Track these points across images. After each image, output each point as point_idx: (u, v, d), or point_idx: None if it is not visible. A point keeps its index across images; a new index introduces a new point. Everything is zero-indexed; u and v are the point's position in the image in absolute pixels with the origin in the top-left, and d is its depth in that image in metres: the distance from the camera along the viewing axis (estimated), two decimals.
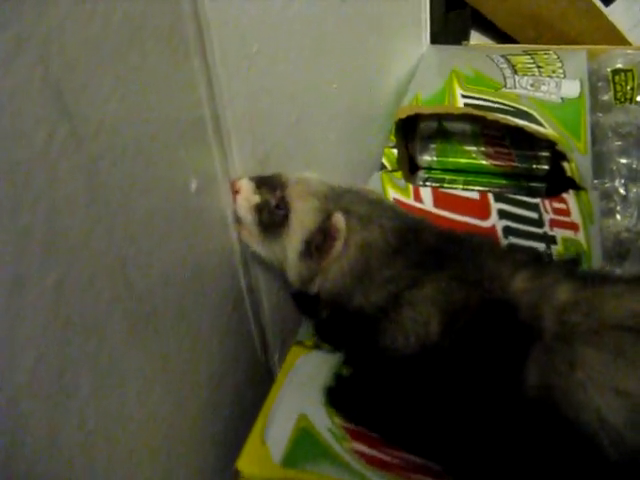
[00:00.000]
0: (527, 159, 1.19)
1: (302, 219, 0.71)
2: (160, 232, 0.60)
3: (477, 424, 0.60)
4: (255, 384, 0.84)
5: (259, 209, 0.72)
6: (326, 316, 0.73)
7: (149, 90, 0.56)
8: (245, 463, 0.64)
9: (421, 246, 0.69)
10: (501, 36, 1.55)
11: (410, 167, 1.26)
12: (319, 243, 0.70)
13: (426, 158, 1.25)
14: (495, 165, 1.20)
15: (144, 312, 0.58)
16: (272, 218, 0.72)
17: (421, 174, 1.26)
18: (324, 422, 0.67)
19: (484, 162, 1.21)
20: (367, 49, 1.12)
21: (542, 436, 0.56)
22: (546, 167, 1.18)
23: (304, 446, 0.65)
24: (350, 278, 0.69)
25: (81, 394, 0.50)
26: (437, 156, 1.24)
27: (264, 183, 0.72)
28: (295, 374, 0.73)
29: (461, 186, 1.20)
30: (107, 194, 0.51)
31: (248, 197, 0.71)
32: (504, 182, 1.20)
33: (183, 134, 0.62)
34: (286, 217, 0.71)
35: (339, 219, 0.69)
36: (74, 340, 0.48)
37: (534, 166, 1.20)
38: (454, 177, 1.23)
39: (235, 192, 0.71)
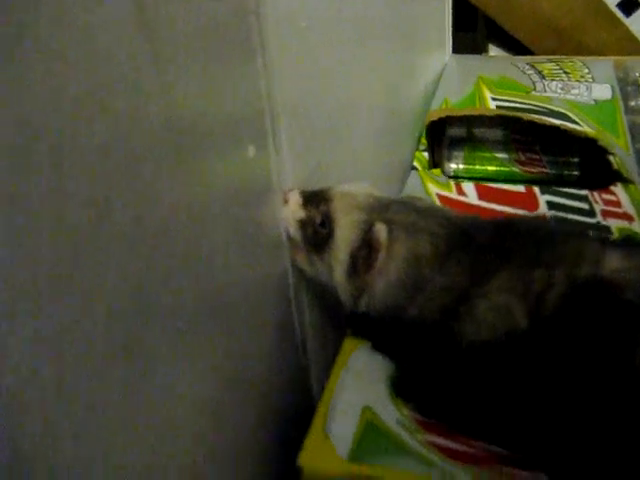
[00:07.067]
0: (558, 165, 1.16)
1: (346, 233, 0.67)
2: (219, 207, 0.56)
3: (570, 411, 0.55)
4: (294, 385, 0.78)
5: (304, 225, 0.68)
6: (385, 332, 0.68)
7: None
8: (308, 459, 0.58)
9: (477, 246, 0.64)
10: (517, 53, 1.55)
11: None
12: (363, 257, 0.66)
13: (452, 166, 1.22)
14: (526, 171, 1.17)
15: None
16: (317, 235, 0.68)
17: None
18: (392, 414, 0.61)
19: (515, 169, 1.18)
20: (394, 54, 1.10)
21: None
22: (576, 173, 1.16)
23: (373, 440, 0.59)
24: (399, 291, 0.64)
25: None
26: (464, 164, 1.21)
27: (311, 198, 0.69)
28: (353, 366, 0.67)
29: None
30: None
31: (294, 210, 0.68)
32: None
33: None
34: (330, 234, 0.68)
35: (380, 229, 0.65)
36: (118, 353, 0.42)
37: (565, 172, 1.17)
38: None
39: (285, 202, 0.68)
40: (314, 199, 0.69)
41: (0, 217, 0.31)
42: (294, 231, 0.69)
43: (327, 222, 0.68)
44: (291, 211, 0.68)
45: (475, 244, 0.64)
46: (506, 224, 0.68)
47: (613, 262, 0.58)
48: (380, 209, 0.68)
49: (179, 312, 0.50)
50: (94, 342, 0.39)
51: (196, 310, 0.53)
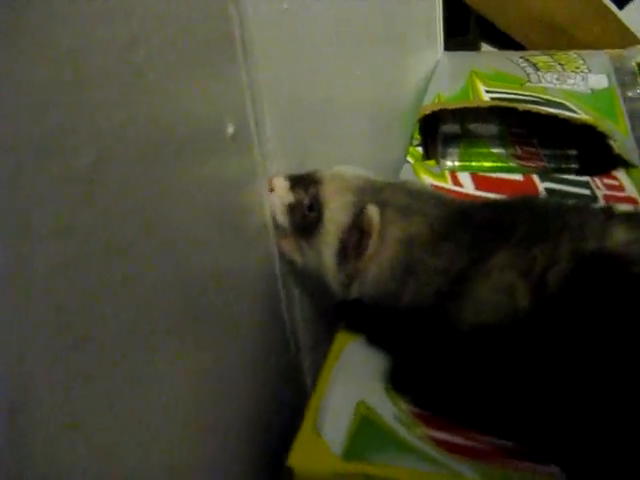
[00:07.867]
0: (556, 158, 1.13)
1: (335, 217, 0.63)
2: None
3: (578, 396, 0.50)
4: (286, 381, 0.73)
5: (292, 209, 0.64)
6: (378, 321, 0.63)
7: None
8: (298, 459, 0.53)
9: (474, 226, 0.60)
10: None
11: None
12: (355, 241, 0.62)
13: (448, 163, 1.18)
14: (523, 166, 1.14)
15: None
16: (305, 219, 0.64)
17: None
18: (388, 409, 0.57)
19: (512, 164, 1.14)
20: (383, 50, 1.07)
21: None
22: (575, 166, 1.12)
23: (368, 436, 0.55)
24: (392, 276, 0.60)
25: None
26: (459, 161, 1.18)
27: (299, 181, 0.65)
28: (346, 360, 0.63)
29: None
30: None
31: (281, 196, 0.64)
32: None
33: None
34: (319, 217, 0.63)
35: (372, 212, 0.61)
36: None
37: (563, 165, 1.13)
38: None
39: (270, 190, 0.64)
40: (302, 182, 0.65)
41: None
42: (281, 216, 0.65)
43: (316, 205, 0.64)
44: (278, 196, 0.64)
45: (472, 224, 0.60)
46: (503, 202, 0.65)
47: (619, 234, 0.54)
48: (372, 192, 0.64)
49: (157, 307, 0.46)
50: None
51: (175, 306, 0.49)
